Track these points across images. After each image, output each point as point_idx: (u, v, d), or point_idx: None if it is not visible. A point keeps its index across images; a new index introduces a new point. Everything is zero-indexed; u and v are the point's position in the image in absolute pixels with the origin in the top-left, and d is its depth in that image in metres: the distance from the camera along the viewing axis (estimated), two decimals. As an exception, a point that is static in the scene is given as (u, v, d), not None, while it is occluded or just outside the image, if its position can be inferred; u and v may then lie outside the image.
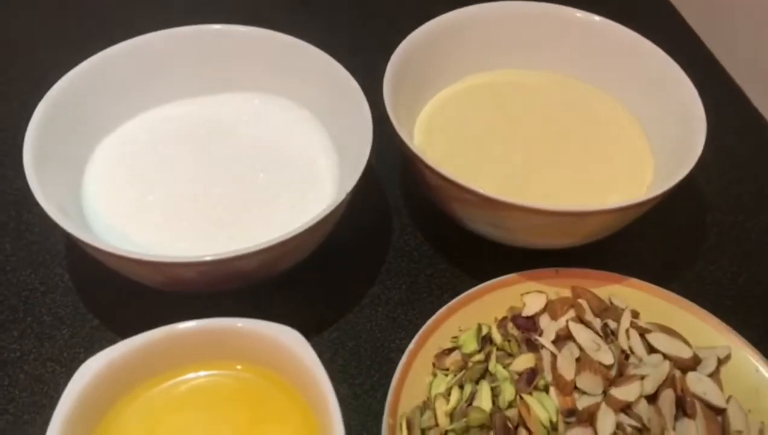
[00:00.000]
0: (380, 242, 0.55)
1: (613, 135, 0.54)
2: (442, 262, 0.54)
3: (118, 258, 0.41)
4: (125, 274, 0.45)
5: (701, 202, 0.60)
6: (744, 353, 0.46)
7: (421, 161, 0.46)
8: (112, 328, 0.49)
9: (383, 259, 0.54)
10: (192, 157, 0.51)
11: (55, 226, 0.42)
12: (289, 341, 0.36)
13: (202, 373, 0.38)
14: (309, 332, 0.48)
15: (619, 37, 0.55)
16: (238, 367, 0.38)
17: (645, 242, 0.56)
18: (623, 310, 0.47)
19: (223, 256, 0.40)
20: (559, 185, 0.51)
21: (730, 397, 0.45)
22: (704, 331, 0.47)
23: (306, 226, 0.42)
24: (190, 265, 0.41)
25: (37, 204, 0.42)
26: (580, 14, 0.56)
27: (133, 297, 0.48)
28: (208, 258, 0.40)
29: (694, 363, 0.46)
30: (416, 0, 0.67)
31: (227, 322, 0.37)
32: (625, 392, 0.43)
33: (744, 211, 0.59)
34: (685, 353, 0.46)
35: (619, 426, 0.42)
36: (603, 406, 0.43)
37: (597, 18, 0.56)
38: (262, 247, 0.41)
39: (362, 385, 0.47)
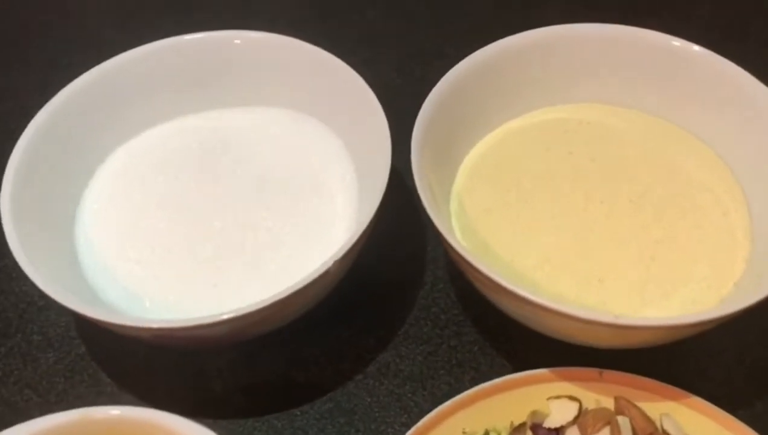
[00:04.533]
0: (405, 296, 0.47)
1: (701, 202, 0.42)
2: (471, 332, 0.46)
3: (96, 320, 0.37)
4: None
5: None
6: None
7: (440, 233, 0.38)
8: (96, 358, 0.46)
9: (403, 320, 0.46)
10: (195, 185, 0.45)
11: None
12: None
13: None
14: (298, 400, 0.43)
15: (722, 74, 0.44)
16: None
17: (720, 351, 0.44)
18: (674, 441, 0.38)
19: (196, 322, 0.35)
20: (618, 267, 0.41)
21: None
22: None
23: (283, 295, 0.36)
24: (167, 330, 0.36)
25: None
26: (677, 42, 0.45)
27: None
28: (178, 324, 0.36)
29: None
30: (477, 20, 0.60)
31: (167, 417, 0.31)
32: None
33: None
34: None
35: None
36: None
37: (696, 48, 0.44)
38: (234, 314, 0.35)
39: (346, 474, 0.41)
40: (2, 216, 0.39)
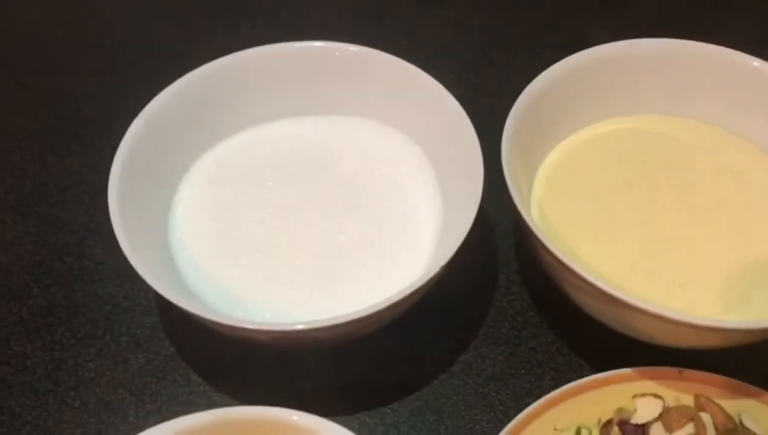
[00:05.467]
0: (481, 299, 0.49)
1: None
2: (548, 334, 0.48)
3: (188, 314, 0.38)
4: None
5: None
6: None
7: (535, 236, 0.40)
8: (186, 359, 0.47)
9: (482, 321, 0.48)
10: (285, 191, 0.47)
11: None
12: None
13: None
14: (388, 399, 0.45)
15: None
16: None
17: None
18: (755, 436, 0.40)
19: (295, 328, 0.36)
20: (699, 274, 0.43)
21: None
22: None
23: (390, 302, 0.37)
24: (260, 332, 0.37)
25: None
26: (757, 63, 0.47)
27: (213, 336, 0.45)
28: (276, 328, 0.37)
29: None
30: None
31: (284, 413, 0.33)
32: None
33: None
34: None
35: None
36: None
37: (757, 63, 0.47)
38: (335, 322, 0.37)
39: (438, 469, 0.43)
40: (113, 219, 0.41)
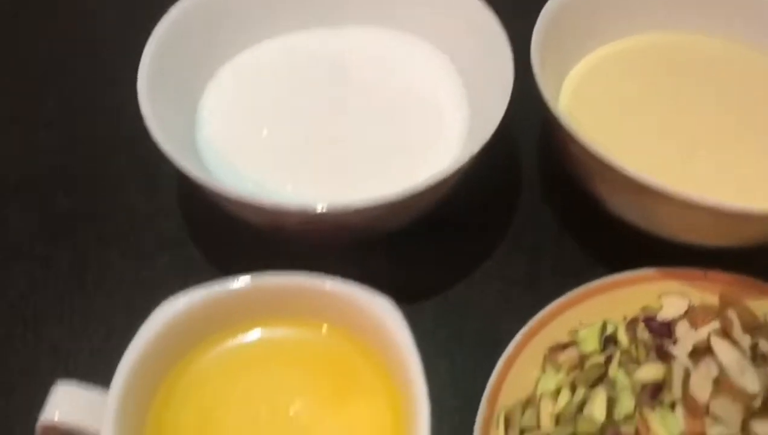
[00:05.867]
0: (504, 212, 0.49)
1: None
2: (572, 244, 0.48)
3: (222, 196, 0.38)
4: (229, 210, 0.42)
5: None
6: None
7: (565, 130, 0.40)
8: (211, 261, 0.47)
9: (504, 232, 0.48)
10: (310, 93, 0.47)
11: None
12: (380, 310, 0.33)
13: (286, 329, 0.35)
14: (412, 299, 0.45)
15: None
16: (324, 327, 0.34)
17: None
18: (781, 331, 0.40)
19: (329, 210, 0.37)
20: (731, 175, 0.43)
21: None
22: None
23: (421, 187, 0.38)
24: (292, 214, 0.37)
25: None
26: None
27: (237, 235, 0.45)
28: (312, 209, 0.37)
29: None
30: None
31: (317, 280, 0.33)
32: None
33: None
34: None
35: (753, 465, 0.36)
36: (741, 439, 0.36)
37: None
38: (370, 204, 0.37)
39: (462, 364, 0.43)
40: (143, 111, 0.41)
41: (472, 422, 0.38)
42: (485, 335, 0.44)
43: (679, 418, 0.38)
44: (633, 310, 0.42)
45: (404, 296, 0.45)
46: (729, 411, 0.37)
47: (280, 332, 0.35)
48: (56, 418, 0.30)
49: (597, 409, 0.37)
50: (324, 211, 0.36)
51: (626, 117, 0.46)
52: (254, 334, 0.35)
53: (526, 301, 0.45)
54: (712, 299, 0.43)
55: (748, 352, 0.40)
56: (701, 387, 0.38)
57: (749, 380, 0.38)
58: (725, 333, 0.40)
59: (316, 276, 0.33)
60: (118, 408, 0.30)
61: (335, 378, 0.33)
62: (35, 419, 0.40)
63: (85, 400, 0.31)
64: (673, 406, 0.39)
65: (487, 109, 0.43)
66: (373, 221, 0.39)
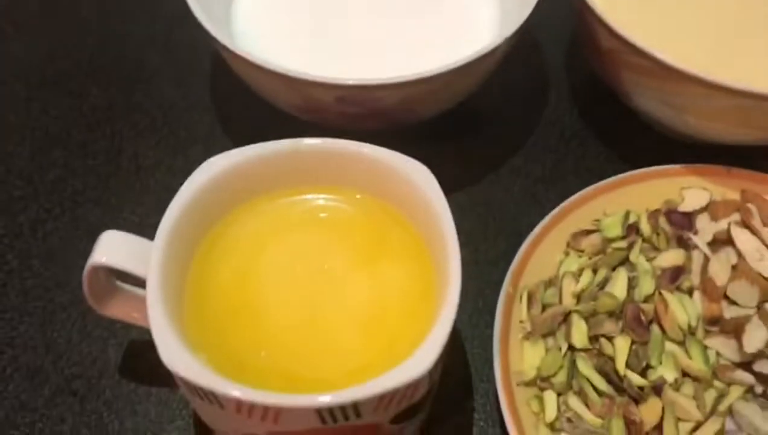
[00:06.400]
0: (531, 111, 0.50)
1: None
2: (596, 144, 0.49)
3: (258, 69, 0.39)
4: (264, 94, 0.43)
5: None
6: None
7: (595, 15, 0.40)
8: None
9: (531, 130, 0.49)
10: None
11: (202, 44, 0.40)
12: (416, 176, 0.34)
13: (321, 196, 0.36)
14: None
15: None
16: (358, 195, 0.36)
17: None
18: (800, 223, 0.41)
19: (363, 83, 0.38)
20: (759, 69, 0.43)
21: None
22: None
23: (455, 66, 0.38)
24: (327, 87, 0.38)
25: (188, 22, 0.41)
26: None
27: (271, 124, 0.46)
28: (346, 82, 0.38)
29: None
30: None
31: (354, 145, 0.34)
32: (785, 309, 0.38)
33: None
34: None
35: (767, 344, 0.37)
36: (755, 319, 0.37)
37: None
38: (404, 79, 0.38)
39: (485, 252, 0.44)
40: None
41: (494, 304, 0.39)
42: (509, 228, 0.45)
43: (696, 302, 0.39)
44: (656, 203, 0.43)
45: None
46: (746, 294, 0.39)
47: (317, 199, 0.36)
48: (104, 259, 0.31)
49: (618, 287, 0.39)
50: (358, 84, 0.37)
51: (659, 16, 0.46)
52: (292, 200, 0.36)
53: (550, 197, 0.46)
54: (734, 196, 0.43)
55: (767, 242, 0.41)
56: (720, 271, 0.39)
57: (766, 267, 0.39)
58: (745, 223, 0.41)
59: (355, 142, 0.34)
60: (163, 254, 0.31)
61: (369, 243, 0.35)
62: (75, 299, 0.41)
63: (131, 245, 0.32)
64: (691, 292, 0.40)
65: (517, 6, 0.44)
66: (407, 103, 0.40)
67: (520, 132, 0.49)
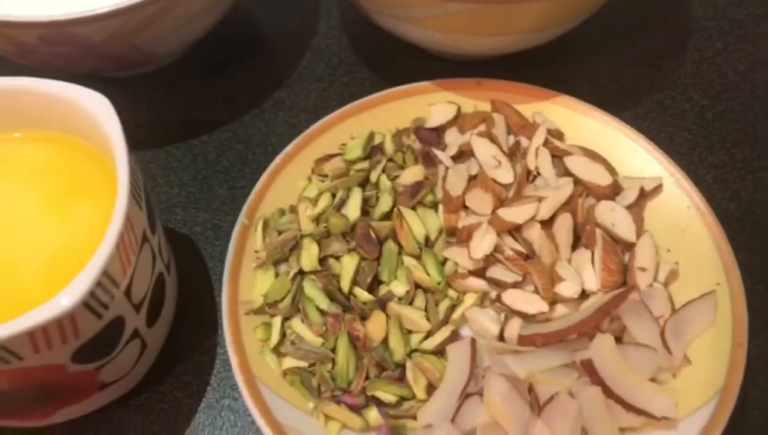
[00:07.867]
0: (298, 43, 0.49)
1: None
2: (363, 70, 0.48)
3: None
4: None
5: (686, 19, 0.50)
6: (677, 189, 0.39)
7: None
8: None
9: (297, 62, 0.48)
10: None
11: None
12: (92, 104, 0.32)
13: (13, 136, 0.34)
14: (197, 132, 0.45)
15: None
16: (50, 133, 0.34)
17: (601, 60, 0.48)
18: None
19: (53, 19, 0.35)
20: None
21: (645, 232, 0.38)
22: (639, 160, 0.40)
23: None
24: (20, 27, 0.36)
25: None
26: None
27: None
28: (38, 19, 0.36)
29: (611, 192, 0.39)
30: None
31: (27, 81, 0.32)
32: (513, 213, 0.37)
33: (739, 38, 0.49)
34: (603, 180, 0.39)
35: (498, 249, 0.37)
36: (484, 225, 0.37)
37: None
38: (90, 13, 0.36)
39: (243, 188, 0.43)
40: None
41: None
42: (269, 160, 0.43)
43: (439, 215, 0.39)
44: (405, 121, 0.42)
45: (190, 131, 0.45)
46: (481, 202, 0.38)
47: (7, 141, 0.34)
48: None
49: (351, 208, 0.38)
50: (50, 21, 0.35)
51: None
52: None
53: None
54: (485, 107, 0.43)
55: (507, 149, 0.40)
56: (455, 183, 0.39)
57: (503, 173, 0.39)
58: (487, 133, 0.41)
59: (30, 79, 0.33)
60: None
61: (62, 185, 0.33)
62: None
63: None
64: (436, 207, 0.39)
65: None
66: (121, 38, 0.38)
67: (288, 63, 0.48)
